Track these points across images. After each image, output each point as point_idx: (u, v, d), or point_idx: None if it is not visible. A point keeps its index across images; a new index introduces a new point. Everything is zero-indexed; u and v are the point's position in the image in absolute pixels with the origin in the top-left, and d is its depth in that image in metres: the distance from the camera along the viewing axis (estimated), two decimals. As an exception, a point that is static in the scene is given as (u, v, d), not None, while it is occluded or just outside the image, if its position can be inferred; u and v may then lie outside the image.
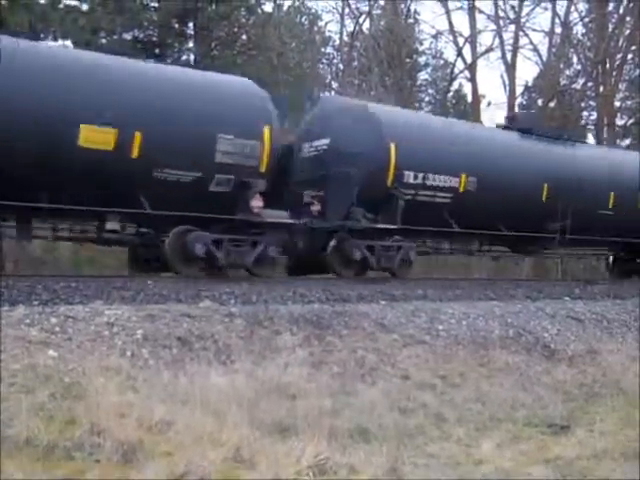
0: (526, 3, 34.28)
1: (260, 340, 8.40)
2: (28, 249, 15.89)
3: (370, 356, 8.72)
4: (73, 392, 6.18)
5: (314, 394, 7.48)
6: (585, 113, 38.09)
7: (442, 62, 39.75)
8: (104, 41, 25.17)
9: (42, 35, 21.06)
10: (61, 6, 23.03)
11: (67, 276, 11.19)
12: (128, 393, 6.47)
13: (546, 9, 36.03)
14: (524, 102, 36.53)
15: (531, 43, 36.22)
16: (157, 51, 26.94)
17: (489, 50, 34.81)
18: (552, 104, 33.97)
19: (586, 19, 36.08)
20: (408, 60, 35.78)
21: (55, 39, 22.20)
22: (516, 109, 33.04)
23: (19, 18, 19.91)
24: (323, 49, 39.16)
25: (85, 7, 24.46)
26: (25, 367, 6.35)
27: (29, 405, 5.77)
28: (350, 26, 36.68)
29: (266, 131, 12.45)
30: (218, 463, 5.60)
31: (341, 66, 36.95)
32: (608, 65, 34.63)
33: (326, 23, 40.81)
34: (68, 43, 22.25)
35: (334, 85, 37.15)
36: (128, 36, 26.77)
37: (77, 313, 7.75)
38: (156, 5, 27.40)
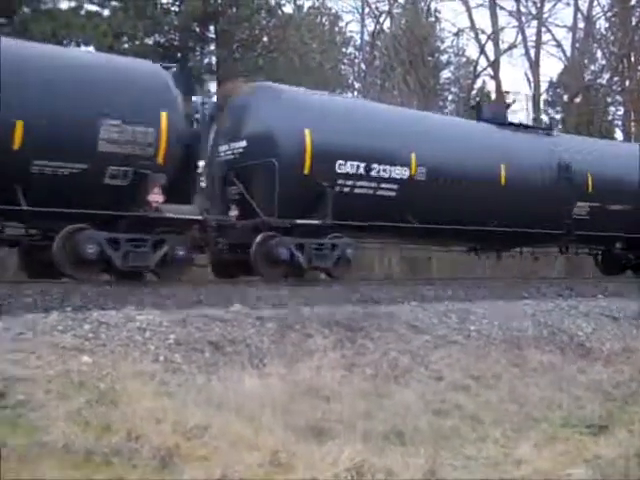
0: (548, -1, 34.09)
1: (292, 343, 8.35)
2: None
3: (403, 358, 8.64)
4: (108, 398, 6.17)
5: (348, 397, 7.43)
6: (612, 108, 37.79)
7: (464, 60, 39.63)
8: (126, 46, 25.30)
9: (65, 42, 21.24)
10: (82, 12, 23.17)
11: (99, 282, 11.19)
12: (163, 398, 6.45)
13: (568, 4, 35.86)
14: (549, 98, 36.29)
15: (554, 39, 36.24)
16: (179, 55, 27.06)
17: (512, 47, 34.73)
18: (578, 100, 33.69)
19: (609, 13, 35.81)
20: (430, 59, 35.66)
21: (78, 45, 22.34)
22: (541, 105, 32.82)
23: (43, 26, 20.03)
24: (344, 49, 39.15)
25: (107, 12, 24.60)
26: (60, 373, 6.35)
27: (65, 411, 5.77)
28: (371, 25, 36.69)
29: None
30: (255, 467, 5.58)
31: (363, 66, 36.89)
32: (633, 59, 34.30)
33: (347, 23, 40.74)
34: (90, 49, 22.45)
35: (356, 85, 37.12)
36: (150, 41, 26.91)
37: (110, 319, 7.76)
38: (177, 9, 27.50)
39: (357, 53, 38.69)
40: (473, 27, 34.78)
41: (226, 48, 27.38)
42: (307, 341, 8.48)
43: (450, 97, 40.52)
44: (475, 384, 8.44)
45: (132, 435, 5.67)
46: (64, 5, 22.72)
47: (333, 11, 38.67)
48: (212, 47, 28.29)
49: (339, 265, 13.24)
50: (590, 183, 17.46)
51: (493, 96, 35.78)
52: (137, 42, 26.08)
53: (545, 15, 34.29)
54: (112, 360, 6.87)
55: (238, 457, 5.67)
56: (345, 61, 38.93)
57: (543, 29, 34.33)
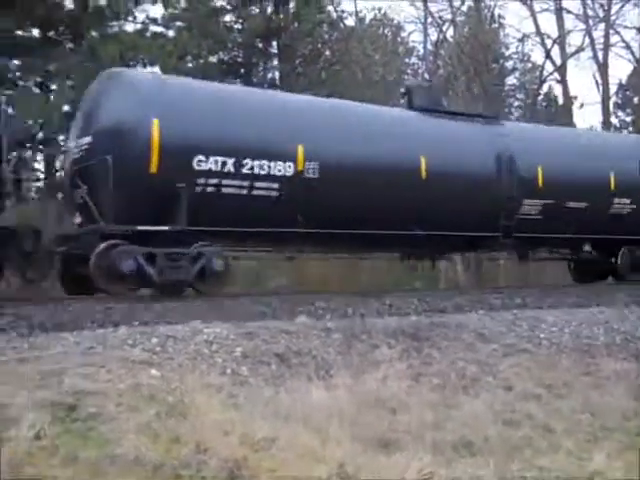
0: (615, 0, 33.43)
1: (358, 354, 8.33)
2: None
3: (470, 367, 8.53)
4: (177, 411, 6.25)
5: (415, 407, 7.36)
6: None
7: (530, 65, 39.09)
8: (190, 65, 25.75)
9: (131, 63, 21.73)
10: (148, 34, 23.69)
11: (166, 297, 11.36)
12: (230, 411, 6.50)
13: (636, 5, 35.01)
14: (619, 101, 35.53)
15: (623, 41, 35.35)
16: (242, 71, 27.44)
17: (579, 50, 34.11)
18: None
19: (679, 12, 34.94)
20: (494, 65, 35.30)
21: (144, 66, 22.84)
22: (611, 108, 32.20)
23: (110, 49, 20.54)
24: (407, 59, 39.04)
25: (171, 33, 25.09)
26: (130, 387, 6.46)
27: (136, 424, 5.87)
28: (434, 35, 36.49)
29: None
30: (323, 479, 5.58)
31: (426, 75, 36.70)
32: None
33: (409, 33, 40.71)
34: (156, 69, 22.92)
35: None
36: (213, 59, 27.34)
37: (177, 332, 7.86)
38: (240, 26, 27.90)
39: (420, 63, 38.56)
40: (538, 32, 34.34)
41: (289, 63, 27.66)
42: (373, 352, 8.45)
43: (516, 103, 39.98)
44: (546, 393, 8.28)
45: (200, 447, 5.73)
46: (129, 27, 23.26)
47: (395, 22, 38.65)
48: (275, 62, 28.61)
49: (206, 278, 11.38)
50: (540, 177, 15.08)
51: (560, 101, 35.25)
52: (201, 60, 26.53)
53: (613, 17, 33.67)
54: (180, 373, 6.96)
55: (305, 469, 5.68)
56: (408, 71, 38.83)
57: (611, 31, 33.73)
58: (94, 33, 22.03)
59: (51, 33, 21.41)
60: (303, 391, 7.28)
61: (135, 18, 23.16)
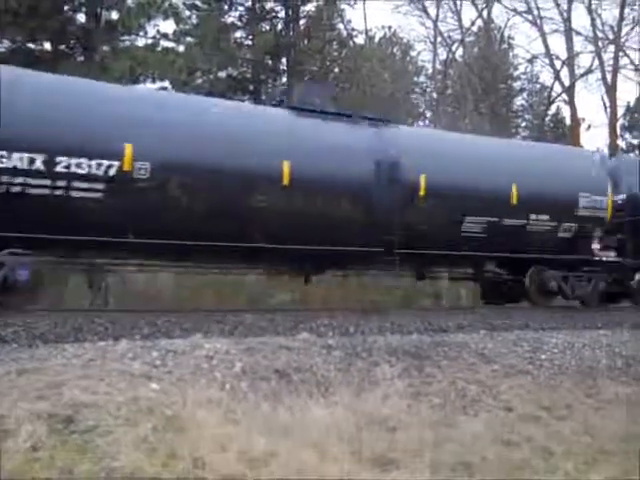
0: (625, 22, 33.56)
1: (358, 372, 8.32)
2: (130, 285, 16.27)
3: (471, 387, 8.51)
4: (175, 425, 6.25)
5: (414, 426, 7.34)
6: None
7: (539, 86, 39.20)
8: (200, 81, 25.92)
9: (141, 78, 21.90)
10: (159, 49, 23.86)
11: (167, 310, 11.40)
12: (228, 426, 6.50)
13: (646, 28, 35.09)
14: (626, 123, 35.56)
15: (632, 63, 35.41)
16: (251, 87, 27.58)
17: (588, 72, 34.28)
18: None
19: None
20: (502, 86, 35.43)
21: (153, 81, 23.00)
22: (618, 131, 32.23)
23: (121, 64, 20.69)
24: (416, 78, 39.20)
25: (182, 48, 25.27)
26: (129, 400, 6.47)
27: (133, 438, 5.88)
28: (443, 54, 36.67)
29: None
30: (319, 497, 5.58)
31: (435, 95, 36.85)
32: None
33: (418, 52, 40.89)
34: (166, 84, 23.08)
35: (428, 114, 37.08)
36: (222, 74, 27.50)
37: (177, 347, 7.87)
38: (250, 43, 28.08)
39: (429, 82, 38.71)
40: (548, 53, 34.50)
41: (298, 80, 27.79)
42: (374, 370, 8.45)
43: (524, 124, 40.06)
44: (546, 415, 8.25)
45: (198, 462, 5.73)
46: (140, 42, 23.44)
47: (405, 40, 38.87)
48: (284, 79, 28.76)
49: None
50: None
51: (568, 122, 35.30)
52: (211, 76, 26.70)
53: (622, 39, 33.78)
54: (179, 387, 6.96)
55: (303, 486, 5.68)
56: (417, 90, 38.98)
57: (620, 53, 33.82)
58: (105, 47, 22.21)
59: (62, 46, 21.58)
60: (302, 408, 7.28)
61: (146, 33, 23.37)
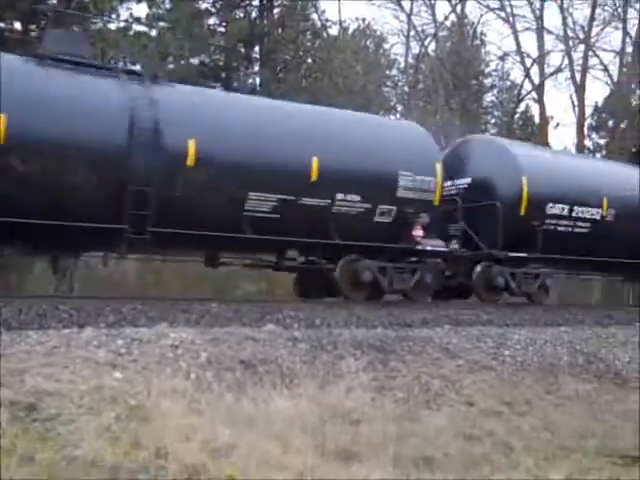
0: (596, 23, 33.91)
1: (323, 365, 8.35)
2: (95, 270, 16.10)
3: (435, 382, 8.59)
4: (139, 414, 6.22)
5: (378, 420, 7.39)
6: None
7: (509, 84, 39.48)
8: (171, 66, 25.70)
9: (113, 62, 21.66)
10: (131, 32, 23.62)
11: (133, 298, 11.31)
12: (192, 416, 6.49)
13: (617, 28, 35.50)
14: (593, 123, 35.90)
15: (601, 63, 35.81)
16: (223, 75, 27.42)
17: (558, 71, 34.61)
18: (623, 125, 33.35)
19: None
20: (474, 82, 35.63)
21: (125, 65, 22.75)
22: (585, 130, 32.57)
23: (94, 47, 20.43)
24: (388, 71, 39.25)
25: (154, 33, 25.05)
26: (92, 388, 6.43)
27: (96, 426, 5.84)
28: (416, 48, 36.74)
29: None
30: (282, 488, 5.59)
31: (406, 88, 36.93)
32: (681, 84, 33.93)
33: (392, 45, 40.87)
34: (137, 68, 22.83)
35: (399, 108, 37.17)
36: (195, 61, 27.32)
37: (142, 335, 7.83)
38: (223, 30, 27.91)
39: (401, 76, 38.77)
40: (519, 50, 34.76)
41: (270, 69, 27.69)
42: (338, 363, 8.47)
43: (493, 121, 40.28)
44: (508, 410, 8.35)
45: (161, 452, 5.70)
46: (113, 25, 23.19)
47: (378, 33, 38.87)
48: (256, 68, 28.64)
49: None
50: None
51: (537, 120, 35.59)
52: (182, 62, 26.50)
53: (593, 39, 34.15)
54: (144, 377, 6.93)
55: (265, 477, 5.68)
56: (388, 83, 39.02)
57: (590, 53, 34.18)
58: (76, 29, 21.90)
59: (33, 27, 21.26)
60: (267, 399, 7.29)
61: (119, 16, 23.12)
